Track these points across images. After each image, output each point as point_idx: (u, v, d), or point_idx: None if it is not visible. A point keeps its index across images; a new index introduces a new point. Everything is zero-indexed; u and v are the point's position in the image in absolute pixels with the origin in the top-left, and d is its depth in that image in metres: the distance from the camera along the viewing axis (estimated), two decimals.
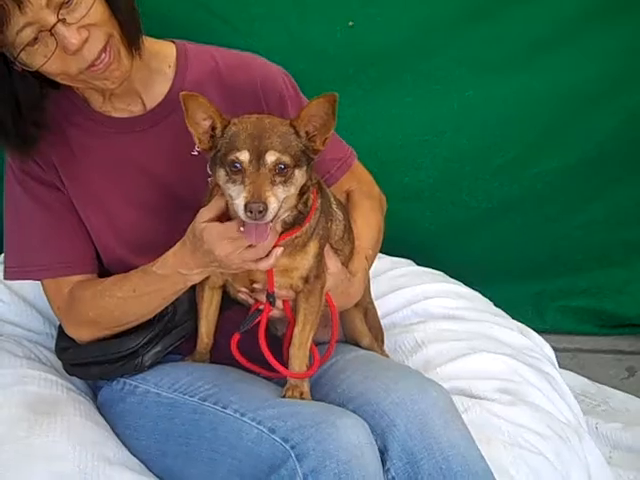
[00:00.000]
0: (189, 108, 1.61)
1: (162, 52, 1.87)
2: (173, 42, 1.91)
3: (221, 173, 1.59)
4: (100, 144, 1.84)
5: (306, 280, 1.74)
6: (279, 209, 1.55)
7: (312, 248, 1.72)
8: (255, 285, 1.75)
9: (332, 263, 1.80)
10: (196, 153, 1.83)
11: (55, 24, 1.60)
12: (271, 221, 1.55)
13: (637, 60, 2.90)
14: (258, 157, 1.55)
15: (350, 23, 2.69)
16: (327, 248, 1.79)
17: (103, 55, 1.67)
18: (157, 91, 1.85)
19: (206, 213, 1.63)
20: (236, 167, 1.55)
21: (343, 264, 1.87)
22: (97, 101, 1.83)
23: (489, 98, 2.86)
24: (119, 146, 1.84)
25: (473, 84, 2.84)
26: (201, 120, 1.63)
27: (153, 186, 1.84)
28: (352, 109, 2.72)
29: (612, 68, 2.88)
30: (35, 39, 1.61)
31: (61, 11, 1.60)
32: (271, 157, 1.56)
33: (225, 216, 1.64)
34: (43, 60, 1.64)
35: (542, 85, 2.88)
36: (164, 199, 1.83)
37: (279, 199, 1.55)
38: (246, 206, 1.50)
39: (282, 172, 1.56)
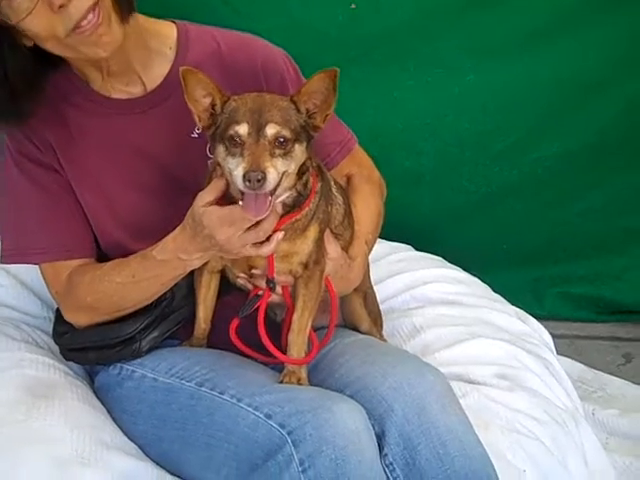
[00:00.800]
0: (188, 84, 1.60)
1: (162, 33, 1.85)
2: (174, 22, 1.88)
3: (220, 149, 1.58)
4: (99, 125, 1.82)
5: (305, 266, 1.73)
6: (279, 181, 1.54)
7: (312, 232, 1.71)
8: (254, 271, 1.74)
9: (332, 248, 1.80)
10: (196, 135, 1.82)
11: None
12: (271, 194, 1.54)
13: (637, 47, 2.89)
14: (258, 130, 1.54)
15: (352, 6, 2.68)
16: (327, 233, 1.78)
17: (90, 15, 1.62)
18: (157, 72, 1.83)
19: (205, 196, 1.62)
20: (235, 140, 1.55)
21: (343, 249, 1.86)
22: (96, 80, 1.81)
23: (490, 83, 2.87)
24: (118, 127, 1.82)
25: (474, 69, 2.84)
26: (201, 97, 1.62)
27: (152, 169, 1.82)
28: (353, 92, 2.70)
29: (613, 55, 2.88)
30: None
31: None
32: (271, 130, 1.55)
33: (224, 199, 1.62)
34: (24, 13, 1.59)
35: (543, 71, 2.88)
36: (163, 182, 1.82)
37: (278, 170, 1.54)
38: (245, 175, 1.49)
39: (282, 145, 1.55)
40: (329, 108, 1.63)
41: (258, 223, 1.59)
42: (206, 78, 1.61)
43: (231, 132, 1.55)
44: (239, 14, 2.57)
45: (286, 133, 1.56)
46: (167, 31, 1.86)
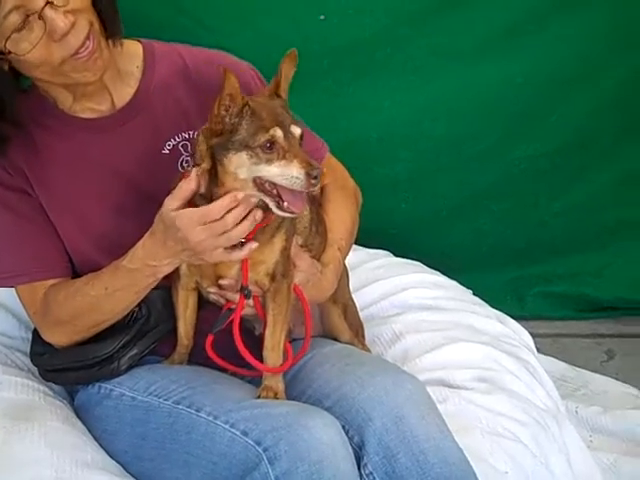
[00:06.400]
0: (229, 84, 1.57)
1: (129, 52, 1.85)
2: (139, 41, 1.90)
3: (242, 156, 1.56)
4: (69, 146, 1.82)
5: (272, 277, 1.73)
6: None
7: (279, 240, 1.71)
8: (221, 281, 1.73)
9: (300, 260, 1.79)
10: (167, 152, 1.83)
11: (44, 7, 1.59)
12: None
13: (612, 43, 2.93)
14: (286, 132, 1.56)
15: (321, 17, 2.69)
16: (295, 248, 1.78)
17: (87, 42, 1.66)
18: (125, 91, 1.84)
19: (174, 201, 1.60)
20: (272, 146, 1.55)
21: (314, 257, 1.86)
22: (66, 101, 1.82)
23: (464, 86, 2.88)
24: (88, 147, 1.82)
25: (448, 73, 2.85)
26: (227, 100, 1.59)
27: (124, 187, 1.82)
28: (327, 103, 2.73)
29: (584, 52, 2.91)
30: (21, 25, 1.60)
31: None
32: (297, 130, 1.58)
33: (191, 202, 1.61)
34: (29, 47, 1.62)
35: (518, 71, 2.90)
36: (135, 199, 1.82)
37: None
38: (308, 174, 1.52)
39: (301, 142, 1.59)
40: (289, 83, 1.65)
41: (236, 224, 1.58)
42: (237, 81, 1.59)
43: (267, 137, 1.54)
44: (208, 30, 2.58)
45: (302, 129, 1.59)
46: (134, 50, 1.87)
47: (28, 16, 1.60)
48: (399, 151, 2.94)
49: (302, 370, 1.85)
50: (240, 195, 1.57)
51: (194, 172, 1.61)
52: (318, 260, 1.89)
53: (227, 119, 1.58)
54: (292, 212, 1.58)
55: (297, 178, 1.53)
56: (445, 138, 2.94)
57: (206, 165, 1.61)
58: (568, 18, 2.87)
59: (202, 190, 1.61)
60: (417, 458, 1.63)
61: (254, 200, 1.60)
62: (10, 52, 1.64)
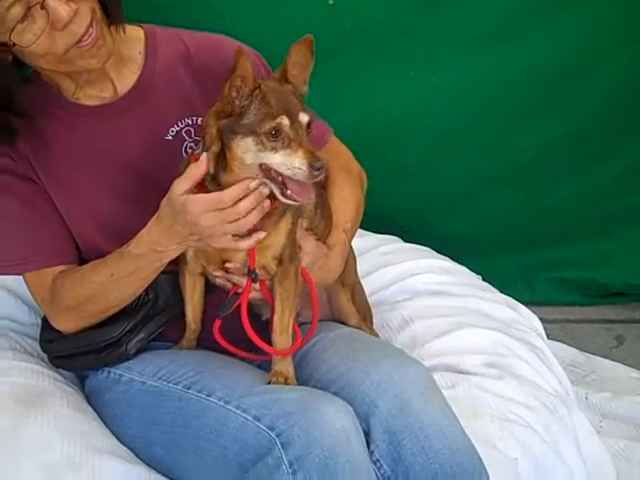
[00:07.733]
0: (241, 66, 1.55)
1: (131, 38, 1.85)
2: (141, 27, 1.89)
3: (248, 142, 1.55)
4: (73, 133, 1.82)
5: (280, 261, 1.72)
6: None
7: (285, 224, 1.70)
8: (228, 265, 1.73)
9: (306, 242, 1.79)
10: (170, 138, 1.83)
11: None
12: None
13: (618, 34, 2.93)
14: (293, 120, 1.55)
15: (330, 2, 2.68)
16: (301, 231, 1.78)
17: (90, 30, 1.66)
18: (128, 77, 1.84)
19: (184, 184, 1.59)
20: (278, 134, 1.54)
21: (319, 240, 1.86)
22: (69, 89, 1.81)
23: (471, 74, 2.88)
24: (92, 134, 1.82)
25: (456, 61, 2.85)
26: (238, 82, 1.57)
27: (129, 173, 1.82)
28: (335, 88, 2.72)
29: (593, 43, 2.91)
30: (24, 17, 1.61)
31: None
32: (305, 118, 1.57)
33: (199, 186, 1.60)
34: (33, 38, 1.63)
35: (523, 60, 2.91)
36: (140, 186, 1.81)
37: None
38: (311, 165, 1.51)
39: (309, 129, 1.58)
40: (307, 72, 1.63)
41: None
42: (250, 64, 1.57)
43: (272, 125, 1.54)
44: (216, 15, 2.57)
45: (310, 117, 1.58)
46: (136, 35, 1.87)
47: (30, 7, 1.61)
48: (407, 137, 2.93)
49: (308, 354, 1.84)
50: (253, 184, 1.57)
51: (204, 155, 1.60)
52: (324, 243, 1.88)
53: (237, 101, 1.57)
54: (295, 200, 1.57)
55: (299, 169, 1.53)
56: (454, 124, 2.94)
57: (215, 148, 1.61)
58: (575, 8, 2.87)
59: (211, 170, 1.60)
60: (422, 444, 1.63)
61: (266, 191, 1.59)
62: (15, 44, 1.64)
